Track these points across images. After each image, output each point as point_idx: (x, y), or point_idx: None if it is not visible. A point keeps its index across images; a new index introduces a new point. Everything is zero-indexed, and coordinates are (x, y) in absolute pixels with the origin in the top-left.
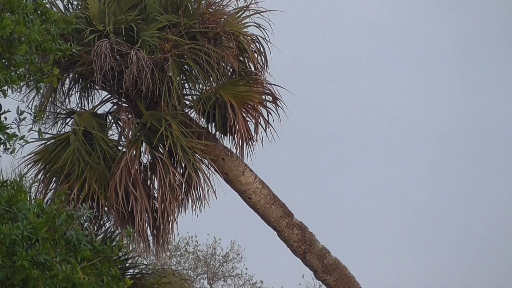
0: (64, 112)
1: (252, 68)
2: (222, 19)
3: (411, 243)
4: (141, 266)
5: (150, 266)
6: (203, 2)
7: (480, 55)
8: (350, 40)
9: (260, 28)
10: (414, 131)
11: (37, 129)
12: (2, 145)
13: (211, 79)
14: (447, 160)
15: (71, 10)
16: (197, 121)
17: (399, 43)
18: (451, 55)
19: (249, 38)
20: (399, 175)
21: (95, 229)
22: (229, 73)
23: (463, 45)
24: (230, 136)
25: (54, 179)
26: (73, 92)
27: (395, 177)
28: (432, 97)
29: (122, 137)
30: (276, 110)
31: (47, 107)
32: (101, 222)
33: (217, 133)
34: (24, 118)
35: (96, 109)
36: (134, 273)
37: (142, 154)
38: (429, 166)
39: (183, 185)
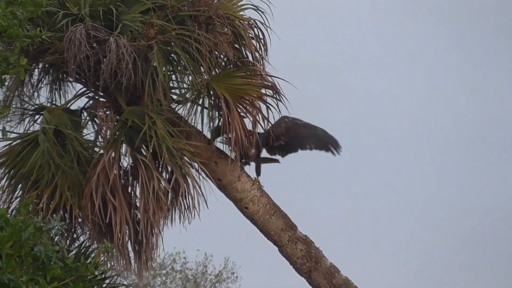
0: (32, 108)
1: (250, 58)
2: (215, 1)
3: (416, 248)
4: (121, 287)
5: (132, 287)
6: None
7: (485, 54)
8: (360, 26)
9: (259, 12)
10: (421, 130)
11: (0, 128)
12: None
13: (202, 70)
14: (451, 160)
15: None
16: (186, 118)
17: (404, 38)
18: (457, 52)
19: (246, 23)
20: (404, 175)
21: (68, 243)
22: (223, 63)
23: (468, 43)
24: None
25: (20, 185)
26: (42, 85)
27: (401, 178)
28: (437, 96)
29: (99, 137)
30: (277, 105)
31: (13, 102)
32: (75, 236)
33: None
34: None
35: (69, 104)
36: None
37: (122, 157)
38: (433, 167)
39: (169, 192)
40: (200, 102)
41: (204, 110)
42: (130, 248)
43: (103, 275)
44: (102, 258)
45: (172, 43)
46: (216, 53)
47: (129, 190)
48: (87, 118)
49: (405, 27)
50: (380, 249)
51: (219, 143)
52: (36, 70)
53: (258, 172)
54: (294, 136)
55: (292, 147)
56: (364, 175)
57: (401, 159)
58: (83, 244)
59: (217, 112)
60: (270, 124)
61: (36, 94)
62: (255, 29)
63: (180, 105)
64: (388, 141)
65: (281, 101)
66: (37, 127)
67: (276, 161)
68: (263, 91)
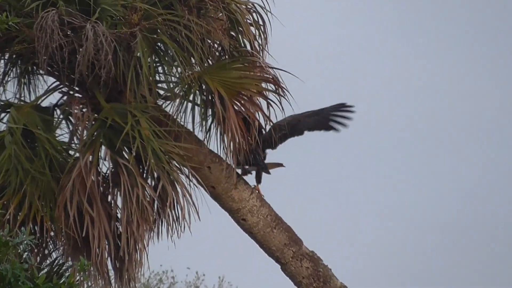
0: None
1: (248, 47)
2: None
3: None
4: None
5: None
6: None
7: (487, 55)
8: (365, 21)
9: None
10: (421, 130)
11: None
12: None
13: (193, 61)
14: (450, 160)
15: None
16: (175, 117)
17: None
18: (458, 52)
19: (244, 7)
20: (407, 175)
21: (38, 261)
22: (217, 54)
23: (472, 43)
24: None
25: None
26: (9, 79)
27: (402, 178)
28: (438, 95)
29: (75, 138)
30: (280, 102)
31: None
32: (46, 252)
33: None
34: None
35: (40, 101)
36: None
37: (101, 161)
38: (433, 167)
39: (156, 202)
40: (191, 98)
41: (196, 107)
42: (110, 266)
43: None
44: (77, 278)
45: (159, 30)
46: (209, 41)
47: (109, 199)
48: (61, 116)
49: (411, 23)
50: (384, 254)
51: (212, 145)
52: (2, 61)
53: (258, 179)
54: (295, 126)
55: (292, 134)
56: (370, 176)
57: (401, 159)
58: (56, 262)
59: (210, 110)
60: (271, 123)
61: (1, 89)
62: (254, 14)
63: (168, 102)
64: (389, 141)
65: (284, 97)
66: (3, 126)
67: (280, 165)
68: (263, 85)
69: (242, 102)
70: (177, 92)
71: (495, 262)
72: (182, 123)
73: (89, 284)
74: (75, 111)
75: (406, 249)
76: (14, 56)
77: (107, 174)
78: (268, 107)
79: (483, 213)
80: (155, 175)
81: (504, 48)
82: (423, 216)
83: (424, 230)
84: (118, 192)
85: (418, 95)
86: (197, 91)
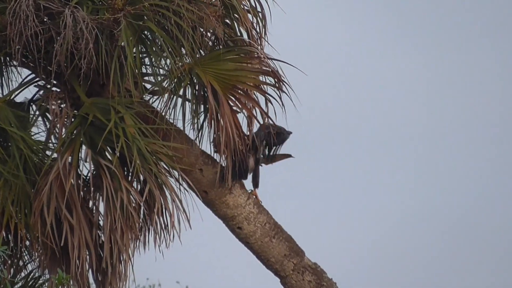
0: None
1: (245, 36)
2: None
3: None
4: None
5: None
6: None
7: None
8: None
9: None
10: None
11: None
12: None
13: (184, 52)
14: (447, 161)
15: None
16: (163, 113)
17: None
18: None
19: None
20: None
21: (11, 273)
22: (210, 43)
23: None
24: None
25: None
26: None
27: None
28: (438, 95)
29: (52, 137)
30: (280, 97)
31: None
32: (21, 263)
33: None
34: None
35: (13, 95)
36: None
37: (81, 162)
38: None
39: (142, 207)
40: (181, 93)
41: (186, 102)
42: (91, 279)
43: None
44: None
45: (145, 17)
46: (202, 29)
47: (90, 205)
48: (37, 112)
49: (411, 24)
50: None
51: (205, 145)
52: None
53: (256, 182)
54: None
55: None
56: (392, 179)
57: (400, 159)
58: (31, 275)
59: (202, 106)
60: (269, 121)
61: None
62: (252, 0)
63: (156, 97)
64: (389, 140)
65: (284, 92)
66: None
67: (289, 156)
68: (261, 78)
69: (238, 96)
70: (166, 86)
71: (498, 265)
72: (171, 120)
73: None
74: (53, 106)
75: (412, 255)
76: None
77: (88, 177)
78: (266, 103)
79: (486, 214)
80: (141, 178)
81: (506, 48)
82: (428, 220)
83: (429, 234)
84: (100, 197)
85: (420, 94)
86: (188, 85)
